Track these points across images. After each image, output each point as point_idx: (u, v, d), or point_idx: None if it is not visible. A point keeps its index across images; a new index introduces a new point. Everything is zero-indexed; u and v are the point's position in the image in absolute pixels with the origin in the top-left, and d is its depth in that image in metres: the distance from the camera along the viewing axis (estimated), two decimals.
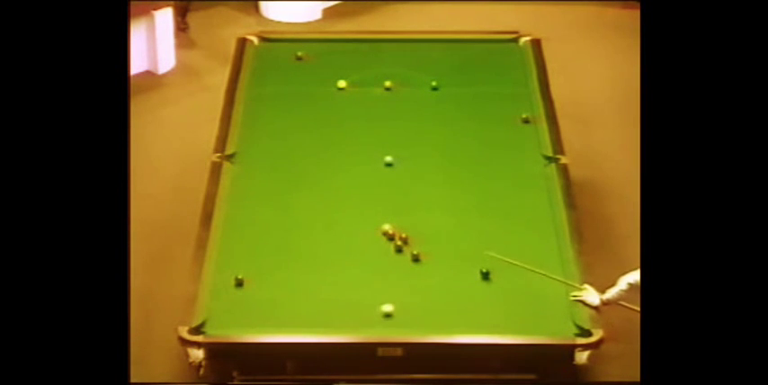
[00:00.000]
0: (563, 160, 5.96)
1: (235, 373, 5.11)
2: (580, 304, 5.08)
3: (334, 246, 5.41)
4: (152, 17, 7.89)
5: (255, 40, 6.93)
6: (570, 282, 5.16)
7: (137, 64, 7.83)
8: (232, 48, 6.87)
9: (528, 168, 5.92)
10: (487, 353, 5.02)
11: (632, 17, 6.36)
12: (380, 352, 4.94)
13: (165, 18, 7.97)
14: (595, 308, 5.07)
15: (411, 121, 6.28)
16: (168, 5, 7.99)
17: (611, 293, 5.07)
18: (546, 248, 5.38)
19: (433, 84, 6.53)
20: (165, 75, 8.08)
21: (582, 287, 5.13)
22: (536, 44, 6.89)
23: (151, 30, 7.94)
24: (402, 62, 6.75)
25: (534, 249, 5.38)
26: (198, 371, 4.98)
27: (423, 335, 4.95)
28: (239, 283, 5.17)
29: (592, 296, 5.09)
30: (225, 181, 5.79)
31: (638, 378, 4.02)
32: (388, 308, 5.02)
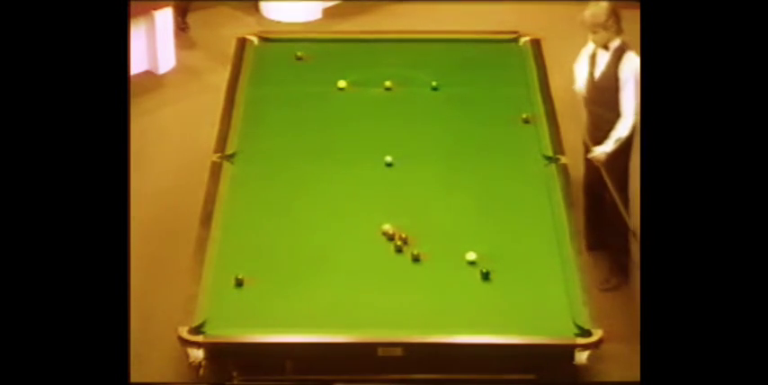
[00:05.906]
0: (563, 160, 5.95)
1: (235, 373, 5.11)
2: (580, 304, 5.06)
3: (334, 245, 5.41)
4: (152, 17, 7.89)
5: (255, 40, 6.93)
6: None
7: (137, 64, 7.82)
8: (232, 48, 6.86)
9: (528, 168, 5.91)
10: (487, 353, 5.02)
11: (632, 17, 6.34)
12: (380, 352, 4.94)
13: (165, 18, 7.97)
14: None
15: (411, 121, 6.28)
16: (168, 5, 7.99)
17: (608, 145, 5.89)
18: (546, 248, 5.37)
19: (433, 84, 6.53)
20: (165, 75, 8.08)
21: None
22: (536, 44, 6.89)
23: (151, 30, 7.94)
24: (402, 62, 6.75)
25: (534, 249, 5.38)
26: (198, 371, 4.98)
27: (423, 335, 4.95)
28: (239, 283, 5.17)
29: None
30: (225, 181, 5.79)
31: (638, 378, 4.02)
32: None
